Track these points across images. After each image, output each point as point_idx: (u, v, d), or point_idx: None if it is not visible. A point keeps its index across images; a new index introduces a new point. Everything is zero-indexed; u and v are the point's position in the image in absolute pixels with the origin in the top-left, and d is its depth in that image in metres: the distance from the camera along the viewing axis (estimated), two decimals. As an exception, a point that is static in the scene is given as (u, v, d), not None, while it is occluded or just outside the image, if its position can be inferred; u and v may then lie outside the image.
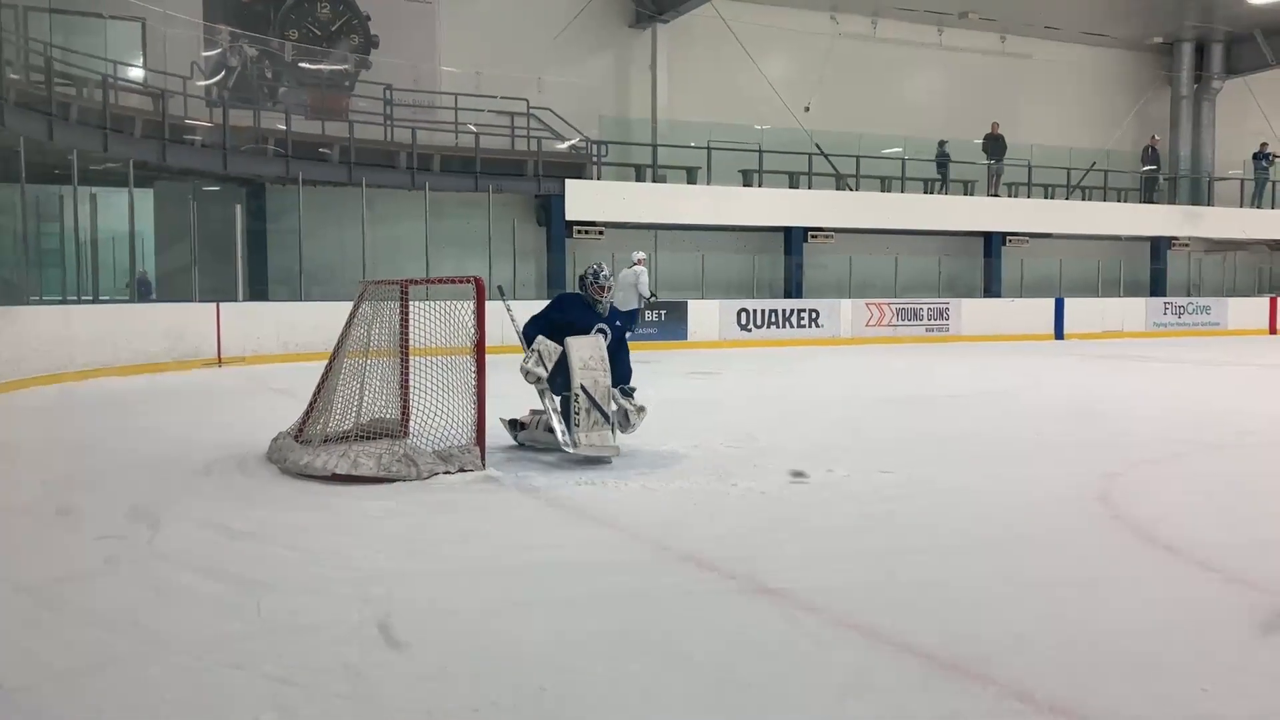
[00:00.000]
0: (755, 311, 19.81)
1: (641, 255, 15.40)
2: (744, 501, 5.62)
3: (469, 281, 6.46)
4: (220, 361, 14.47)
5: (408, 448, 6.33)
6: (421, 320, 6.86)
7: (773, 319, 19.93)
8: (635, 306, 14.66)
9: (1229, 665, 3.27)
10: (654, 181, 20.06)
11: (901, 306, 21.04)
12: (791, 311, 20.19)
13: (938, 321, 21.25)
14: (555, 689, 3.06)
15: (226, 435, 7.87)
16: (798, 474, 6.30)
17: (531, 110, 19.03)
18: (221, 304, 14.87)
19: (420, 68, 19.06)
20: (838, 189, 21.62)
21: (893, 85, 23.67)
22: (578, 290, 7.37)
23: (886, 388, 12.34)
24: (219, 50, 17.43)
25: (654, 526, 5.07)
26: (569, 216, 18.72)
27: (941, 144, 22.58)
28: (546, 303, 7.53)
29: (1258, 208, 25.91)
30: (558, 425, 6.72)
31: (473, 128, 18.40)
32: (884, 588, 4.09)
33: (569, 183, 18.71)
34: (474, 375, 6.43)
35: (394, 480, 5.97)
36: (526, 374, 6.80)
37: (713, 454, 7.04)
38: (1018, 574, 4.33)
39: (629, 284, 14.54)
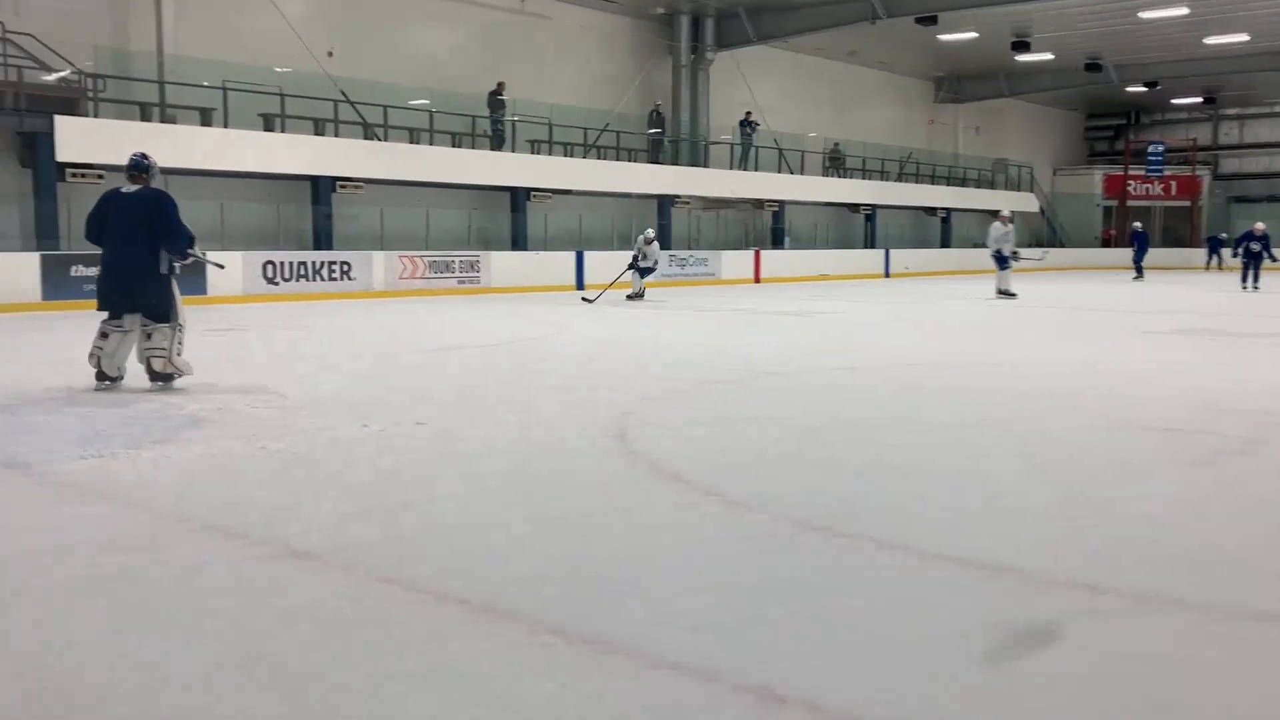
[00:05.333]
0: (282, 264, 18.94)
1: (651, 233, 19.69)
2: (272, 463, 5.42)
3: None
4: None
5: None
6: None
7: (301, 272, 19.20)
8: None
9: (727, 581, 3.72)
10: (162, 122, 18.41)
11: (434, 259, 21.19)
12: (321, 264, 19.57)
13: (470, 274, 21.68)
14: (66, 689, 2.78)
15: None
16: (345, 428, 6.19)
17: (8, 35, 16.63)
18: None
19: None
20: (366, 139, 21.21)
21: (416, 36, 23.56)
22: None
23: (419, 340, 12.42)
24: None
25: (172, 497, 4.74)
26: (61, 158, 16.63)
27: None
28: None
29: (744, 170, 29.13)
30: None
31: (-69, 50, 15.75)
32: (409, 540, 4.15)
33: (59, 120, 16.61)
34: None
35: None
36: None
37: (239, 416, 6.70)
38: (538, 513, 4.59)
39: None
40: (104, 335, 7.78)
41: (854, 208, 32.82)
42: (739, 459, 5.71)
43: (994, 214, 38.88)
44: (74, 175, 16.68)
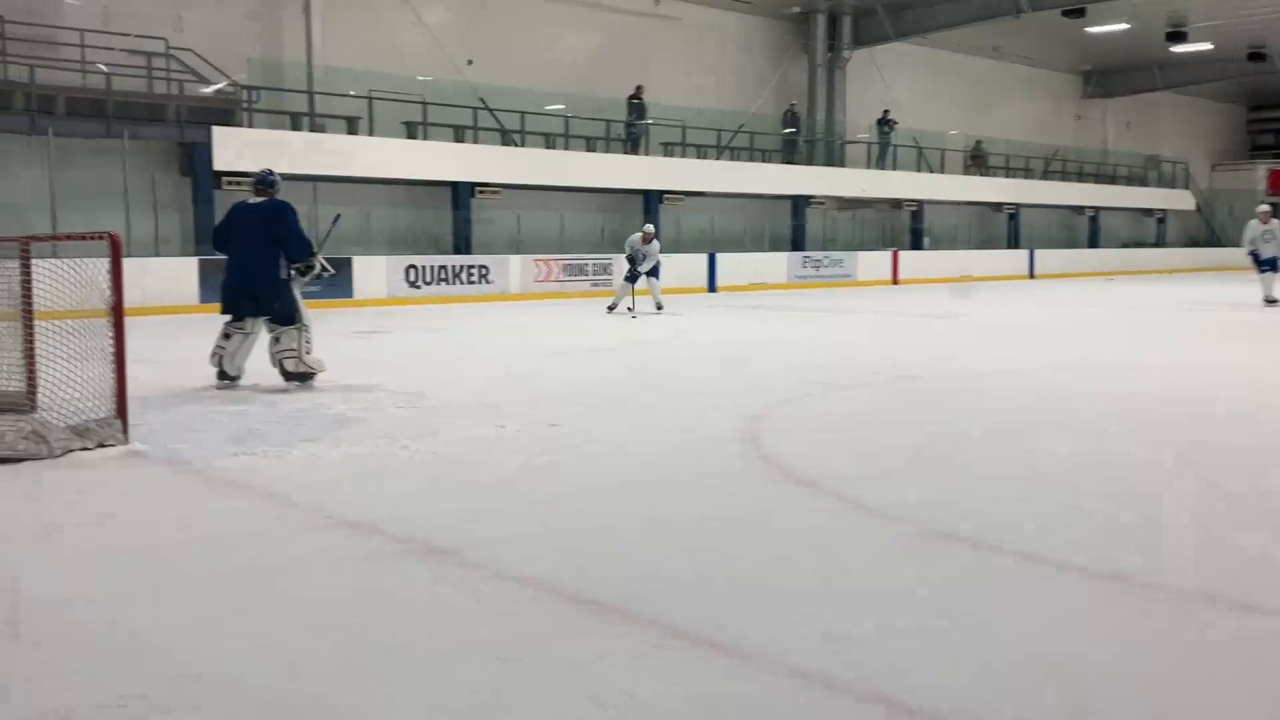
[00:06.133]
0: (424, 268, 19.51)
1: (649, 228, 16.93)
2: (413, 462, 5.58)
3: (103, 238, 5.95)
4: None
5: (36, 423, 5.75)
6: (48, 281, 6.24)
7: (442, 275, 19.73)
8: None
9: (858, 589, 3.65)
10: (312, 131, 19.17)
11: (568, 262, 21.49)
12: (461, 268, 20.08)
13: (602, 276, 21.88)
14: (206, 673, 2.92)
15: None
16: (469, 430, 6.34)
17: (171, 50, 17.58)
18: None
19: (35, -3, 17.06)
20: (503, 145, 21.65)
21: (552, 42, 23.90)
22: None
23: (552, 342, 12.61)
24: None
25: (317, 494, 4.93)
26: (217, 166, 17.46)
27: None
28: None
29: (881, 169, 28.60)
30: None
31: (103, 67, 16.72)
32: (540, 538, 4.22)
33: (216, 130, 17.44)
34: (111, 340, 5.94)
35: (21, 460, 5.41)
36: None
37: (382, 415, 6.93)
38: (666, 514, 4.59)
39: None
40: (226, 336, 8.24)
41: (996, 207, 31.85)
42: (875, 465, 5.61)
43: (1146, 213, 37.59)
44: (230, 183, 17.45)
